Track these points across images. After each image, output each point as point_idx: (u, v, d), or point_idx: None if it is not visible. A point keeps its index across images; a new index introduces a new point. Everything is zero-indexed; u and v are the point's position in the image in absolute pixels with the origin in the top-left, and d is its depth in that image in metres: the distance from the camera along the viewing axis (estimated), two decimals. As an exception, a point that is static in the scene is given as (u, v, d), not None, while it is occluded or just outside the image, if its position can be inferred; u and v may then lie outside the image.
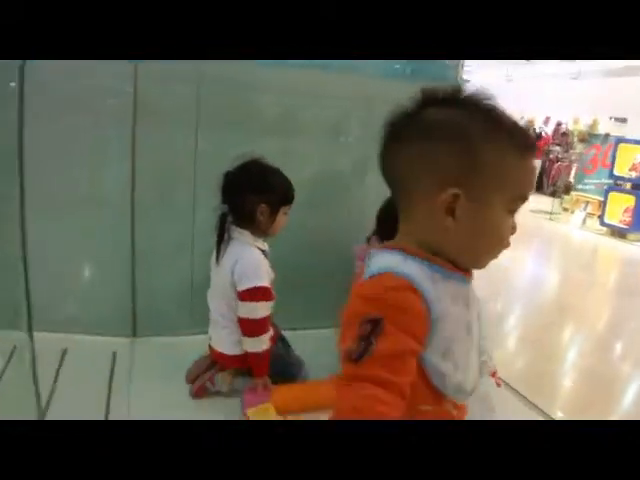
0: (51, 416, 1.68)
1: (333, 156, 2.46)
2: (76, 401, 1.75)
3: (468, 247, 0.78)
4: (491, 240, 0.79)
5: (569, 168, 8.81)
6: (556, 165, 9.17)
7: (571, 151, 8.99)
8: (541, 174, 9.40)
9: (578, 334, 3.82)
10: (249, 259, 1.75)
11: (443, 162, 0.74)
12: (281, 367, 1.86)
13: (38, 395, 1.04)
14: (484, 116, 0.76)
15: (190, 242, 2.22)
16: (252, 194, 1.75)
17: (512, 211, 0.78)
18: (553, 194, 8.77)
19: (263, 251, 1.82)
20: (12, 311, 1.88)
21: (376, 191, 2.13)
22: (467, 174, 0.74)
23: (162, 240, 2.22)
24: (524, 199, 0.80)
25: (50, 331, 2.12)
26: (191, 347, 2.01)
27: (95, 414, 1.71)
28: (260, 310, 1.74)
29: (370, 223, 2.15)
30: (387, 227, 1.93)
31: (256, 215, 1.76)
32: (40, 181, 2.03)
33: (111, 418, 1.71)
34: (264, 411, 1.69)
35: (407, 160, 0.77)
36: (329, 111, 2.37)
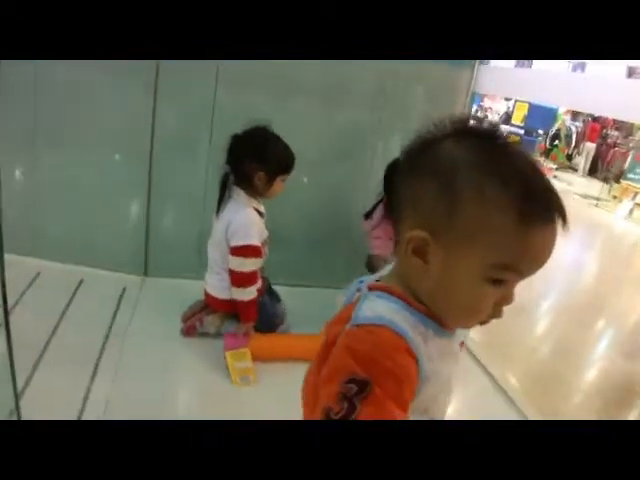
0: (58, 338, 1.91)
1: (348, 120, 2.54)
2: (80, 330, 1.98)
3: (439, 300, 0.70)
4: (461, 304, 0.69)
5: (626, 155, 8.51)
6: (612, 150, 8.88)
7: (630, 137, 8.68)
8: (596, 158, 9.15)
9: (600, 330, 3.74)
10: (243, 219, 1.89)
11: (425, 198, 0.67)
12: (264, 317, 2.02)
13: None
14: (489, 163, 0.66)
15: (203, 192, 2.38)
16: (252, 161, 1.87)
17: (497, 281, 0.66)
18: (605, 180, 8.54)
19: (259, 212, 1.96)
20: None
21: (386, 157, 2.27)
22: (442, 219, 0.65)
23: (177, 188, 2.39)
24: (520, 274, 0.66)
25: (71, 263, 2.37)
26: (196, 290, 2.15)
27: (95, 341, 1.93)
28: (248, 265, 1.90)
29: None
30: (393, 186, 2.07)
31: (254, 180, 1.90)
32: (63, 119, 2.23)
33: (108, 345, 1.92)
34: (241, 355, 1.85)
35: (406, 187, 0.71)
36: (347, 77, 2.41)
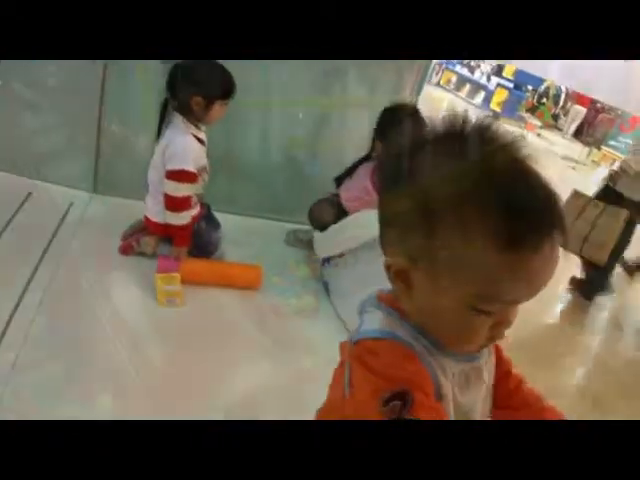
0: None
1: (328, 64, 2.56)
2: (21, 242, 2.03)
3: (429, 325, 0.64)
4: (450, 331, 0.63)
5: (612, 122, 8.52)
6: (600, 116, 8.86)
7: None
8: (583, 121, 9.16)
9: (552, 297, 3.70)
10: (179, 143, 1.93)
11: (404, 218, 0.61)
12: (199, 243, 2.09)
13: None
14: (476, 179, 0.56)
15: (155, 115, 2.40)
16: (189, 86, 1.90)
17: (482, 311, 0.59)
18: (587, 144, 8.59)
19: (198, 139, 2.00)
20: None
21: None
22: (420, 247, 0.59)
23: (130, 109, 2.40)
24: (510, 303, 0.60)
25: (20, 175, 2.41)
26: (142, 211, 2.19)
27: (35, 253, 1.98)
28: (182, 190, 1.96)
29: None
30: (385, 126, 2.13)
31: (191, 105, 1.92)
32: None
33: (47, 257, 1.98)
34: (170, 279, 1.91)
35: (386, 201, 0.65)
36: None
